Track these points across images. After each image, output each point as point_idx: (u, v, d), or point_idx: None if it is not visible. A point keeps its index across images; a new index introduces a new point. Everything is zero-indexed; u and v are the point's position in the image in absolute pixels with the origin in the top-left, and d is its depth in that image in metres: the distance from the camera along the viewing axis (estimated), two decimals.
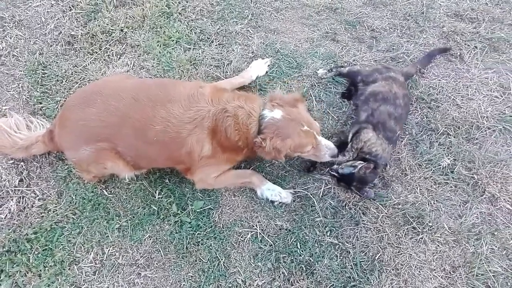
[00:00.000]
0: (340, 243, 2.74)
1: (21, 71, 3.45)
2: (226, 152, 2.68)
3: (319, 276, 2.64)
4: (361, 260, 2.68)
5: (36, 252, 2.71)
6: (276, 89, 3.00)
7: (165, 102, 2.54)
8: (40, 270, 2.65)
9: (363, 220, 2.82)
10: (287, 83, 3.43)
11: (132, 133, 2.55)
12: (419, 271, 2.64)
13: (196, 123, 2.52)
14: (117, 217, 2.85)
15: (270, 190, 2.86)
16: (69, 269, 2.68)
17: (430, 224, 2.77)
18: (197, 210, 2.87)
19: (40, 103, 3.29)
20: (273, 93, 2.80)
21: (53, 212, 2.86)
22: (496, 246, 2.70)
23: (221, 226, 2.84)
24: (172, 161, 2.74)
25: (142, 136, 2.53)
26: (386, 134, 2.83)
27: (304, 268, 2.67)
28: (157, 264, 2.71)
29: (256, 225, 2.82)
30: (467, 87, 3.35)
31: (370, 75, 3.11)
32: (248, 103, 2.61)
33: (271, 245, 2.75)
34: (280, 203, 2.88)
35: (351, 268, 2.66)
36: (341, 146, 2.88)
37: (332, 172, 2.77)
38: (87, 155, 2.61)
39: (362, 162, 2.71)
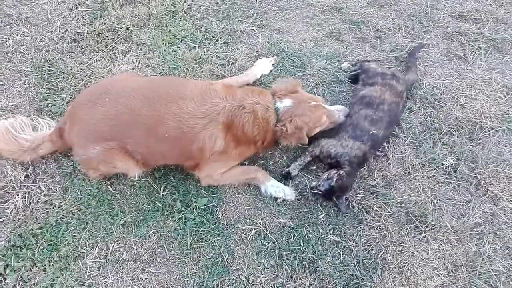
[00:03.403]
0: (343, 241, 2.76)
1: (27, 68, 3.48)
2: (239, 147, 2.73)
3: (321, 274, 2.65)
4: (363, 258, 2.70)
5: (41, 247, 2.73)
6: (272, 84, 3.02)
7: (177, 99, 2.57)
8: (45, 265, 2.68)
9: (366, 219, 2.83)
10: None
11: (142, 131, 2.57)
12: (422, 270, 2.65)
13: (210, 118, 2.57)
14: (121, 213, 2.88)
15: (274, 187, 2.88)
16: (73, 264, 2.70)
17: (433, 223, 2.78)
18: (201, 207, 2.88)
19: (46, 99, 3.31)
20: (272, 88, 2.89)
21: (58, 207, 2.88)
22: (498, 246, 2.71)
23: (225, 223, 2.85)
24: (183, 157, 2.76)
25: (153, 133, 2.55)
26: (355, 133, 2.87)
27: (307, 266, 2.69)
28: (161, 260, 2.73)
29: (260, 223, 2.84)
30: (471, 88, 3.36)
31: (372, 77, 3.13)
32: (262, 97, 2.72)
33: (274, 242, 2.77)
34: (283, 200, 2.89)
35: (353, 266, 2.67)
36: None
37: (315, 191, 2.79)
38: (97, 154, 2.62)
39: (333, 171, 2.75)
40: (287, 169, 2.97)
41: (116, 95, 2.59)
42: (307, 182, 2.98)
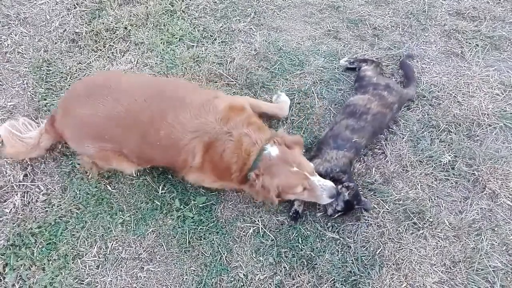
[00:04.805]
0: (341, 238, 2.76)
1: (26, 68, 3.48)
2: (215, 171, 2.60)
3: (320, 271, 2.66)
4: (362, 255, 2.70)
5: (40, 246, 2.74)
6: (280, 128, 2.92)
7: (175, 107, 2.51)
8: (44, 264, 2.68)
9: (364, 216, 2.84)
10: (289, 80, 3.45)
11: (138, 136, 2.54)
12: (420, 266, 2.65)
13: (197, 135, 2.48)
14: (120, 212, 2.88)
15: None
16: (72, 263, 2.71)
17: (431, 219, 2.79)
18: (200, 205, 2.89)
19: (45, 99, 3.32)
20: (277, 130, 2.78)
21: (57, 206, 2.89)
22: (496, 242, 2.71)
23: (223, 221, 2.86)
24: (173, 165, 2.74)
25: (147, 139, 2.53)
26: (336, 144, 2.83)
27: (305, 263, 2.69)
28: (160, 258, 2.74)
29: (258, 220, 2.85)
30: (468, 85, 3.37)
31: (365, 86, 3.12)
32: (256, 133, 2.54)
33: (273, 240, 2.78)
34: None
35: (352, 263, 2.68)
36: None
37: (336, 216, 2.73)
38: (91, 152, 2.65)
39: (338, 187, 2.66)
40: (293, 209, 2.82)
41: (118, 94, 2.54)
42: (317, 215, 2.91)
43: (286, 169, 2.46)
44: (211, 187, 2.90)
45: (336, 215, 2.73)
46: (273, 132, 2.66)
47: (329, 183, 2.54)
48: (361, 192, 2.88)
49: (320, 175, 2.62)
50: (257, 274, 2.66)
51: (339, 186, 2.67)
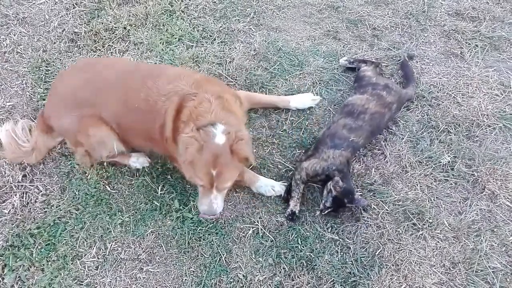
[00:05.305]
0: (340, 239, 2.76)
1: (24, 68, 3.48)
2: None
3: (319, 272, 2.65)
4: (361, 256, 2.70)
5: (39, 247, 2.73)
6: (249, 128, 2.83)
7: (155, 76, 2.62)
8: (43, 265, 2.67)
9: (363, 217, 2.83)
10: (289, 81, 3.45)
11: (117, 98, 2.63)
12: (419, 267, 2.65)
13: (168, 97, 2.51)
14: (119, 213, 2.88)
15: (263, 187, 2.87)
16: (71, 263, 2.70)
17: (430, 220, 2.78)
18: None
19: (44, 99, 3.30)
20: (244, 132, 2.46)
21: (56, 207, 2.89)
22: (495, 243, 2.71)
23: (223, 221, 2.85)
24: (150, 136, 2.70)
25: (126, 102, 2.61)
26: (333, 143, 2.84)
27: (304, 264, 2.69)
28: (159, 259, 2.73)
29: (257, 221, 2.84)
30: (468, 85, 3.37)
31: (364, 86, 3.12)
32: (218, 106, 2.43)
33: (272, 240, 2.77)
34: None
35: (351, 264, 2.67)
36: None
37: (324, 213, 2.76)
38: (70, 122, 2.69)
39: (328, 184, 2.71)
40: (289, 210, 2.80)
41: (103, 66, 2.77)
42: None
43: (207, 160, 2.28)
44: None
45: (326, 210, 2.73)
46: (239, 125, 2.49)
47: (216, 205, 2.44)
48: (360, 193, 2.88)
49: (317, 173, 2.72)
50: (256, 275, 2.65)
51: (329, 183, 2.70)
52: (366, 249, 2.73)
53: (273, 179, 2.96)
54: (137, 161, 3.03)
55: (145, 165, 3.04)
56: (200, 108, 2.40)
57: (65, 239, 2.77)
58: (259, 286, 2.62)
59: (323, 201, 2.74)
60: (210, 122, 2.34)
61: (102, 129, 2.69)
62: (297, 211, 2.81)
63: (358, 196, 2.79)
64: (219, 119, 2.37)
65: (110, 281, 2.65)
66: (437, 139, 3.11)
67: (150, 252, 2.75)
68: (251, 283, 2.63)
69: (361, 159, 3.05)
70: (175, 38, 3.68)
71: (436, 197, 2.89)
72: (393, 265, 2.66)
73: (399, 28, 3.77)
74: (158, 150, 2.91)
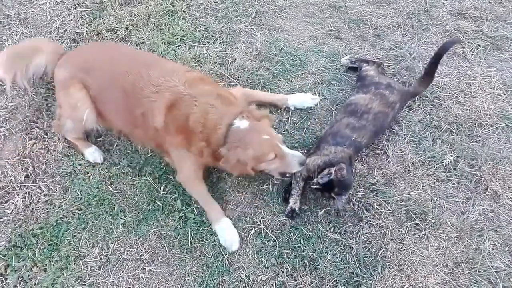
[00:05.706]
0: (343, 239, 2.76)
1: None
2: (180, 135, 2.62)
3: (322, 272, 2.65)
4: (364, 256, 2.70)
5: (41, 247, 2.74)
6: (251, 106, 2.78)
7: (150, 64, 2.72)
8: (46, 265, 2.68)
9: (366, 217, 2.83)
10: (291, 81, 3.44)
11: (104, 72, 2.79)
12: (422, 267, 2.65)
13: (158, 90, 2.59)
14: (122, 213, 2.88)
15: (219, 229, 2.74)
16: (74, 264, 2.70)
17: (433, 220, 2.78)
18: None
19: (46, 100, 3.31)
20: (248, 107, 2.68)
21: (59, 207, 2.89)
22: (498, 243, 2.71)
23: None
24: (129, 120, 2.79)
25: (113, 80, 2.75)
26: (335, 141, 2.83)
27: (307, 264, 2.68)
28: (161, 259, 2.73)
29: (260, 221, 2.84)
30: (470, 85, 3.37)
31: (367, 86, 3.10)
32: (223, 106, 2.56)
33: (275, 240, 2.77)
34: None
35: (354, 264, 2.67)
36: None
37: (314, 186, 2.69)
38: (64, 76, 2.87)
39: (332, 168, 2.61)
40: (288, 207, 2.81)
41: (108, 47, 3.19)
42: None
43: (257, 138, 2.50)
44: (187, 166, 2.79)
45: (315, 187, 2.67)
46: (243, 109, 2.62)
47: (297, 153, 2.63)
48: (363, 193, 2.88)
49: (318, 167, 2.71)
50: (259, 275, 2.65)
51: (333, 167, 2.58)
52: (369, 249, 2.73)
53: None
54: (92, 154, 3.06)
55: (97, 162, 3.06)
56: (211, 116, 2.52)
57: (67, 239, 2.77)
58: (261, 286, 2.62)
59: (319, 177, 2.67)
60: (229, 124, 2.50)
61: (80, 93, 2.82)
62: (297, 208, 2.81)
63: (346, 196, 2.71)
64: (231, 117, 2.52)
65: (112, 281, 2.65)
66: (440, 139, 3.11)
67: (152, 252, 2.75)
68: (253, 283, 2.63)
69: (363, 159, 3.05)
70: (177, 38, 3.68)
71: (439, 197, 2.88)
72: (395, 265, 2.66)
73: (401, 27, 3.76)
74: (136, 136, 2.96)
